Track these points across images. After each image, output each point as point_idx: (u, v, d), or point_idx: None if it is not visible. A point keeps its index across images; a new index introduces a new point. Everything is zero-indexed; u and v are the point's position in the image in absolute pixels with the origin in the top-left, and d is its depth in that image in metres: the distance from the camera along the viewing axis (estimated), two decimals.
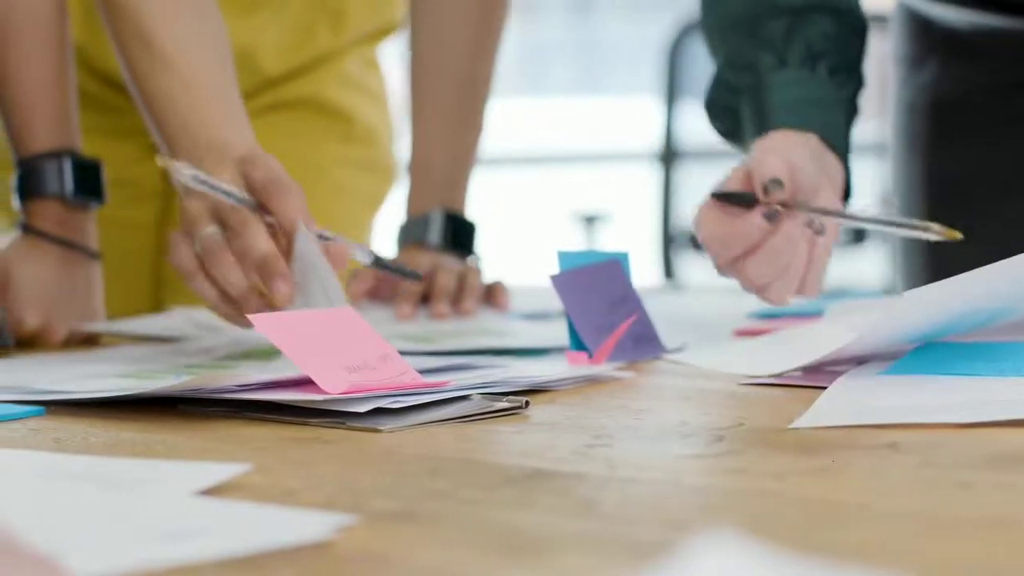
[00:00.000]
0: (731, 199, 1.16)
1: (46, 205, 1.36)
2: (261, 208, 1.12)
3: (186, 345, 1.30)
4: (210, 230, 1.12)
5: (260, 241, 1.10)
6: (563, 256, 1.16)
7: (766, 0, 1.28)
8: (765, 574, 0.42)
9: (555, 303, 1.43)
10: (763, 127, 1.24)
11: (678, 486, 0.76)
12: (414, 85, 1.61)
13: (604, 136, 5.82)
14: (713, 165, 3.36)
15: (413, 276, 1.17)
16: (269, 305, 1.10)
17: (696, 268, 3.32)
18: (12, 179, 1.38)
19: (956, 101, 1.54)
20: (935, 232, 1.04)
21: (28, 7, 1.37)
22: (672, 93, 3.33)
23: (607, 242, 4.01)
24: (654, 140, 3.45)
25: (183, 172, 1.11)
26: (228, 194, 1.11)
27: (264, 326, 0.99)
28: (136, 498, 0.75)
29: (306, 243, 1.09)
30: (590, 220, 4.03)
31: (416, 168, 1.59)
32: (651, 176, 3.46)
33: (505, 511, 0.71)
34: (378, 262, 1.15)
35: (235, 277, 1.11)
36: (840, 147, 1.23)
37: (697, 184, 3.32)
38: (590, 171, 5.59)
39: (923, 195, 1.57)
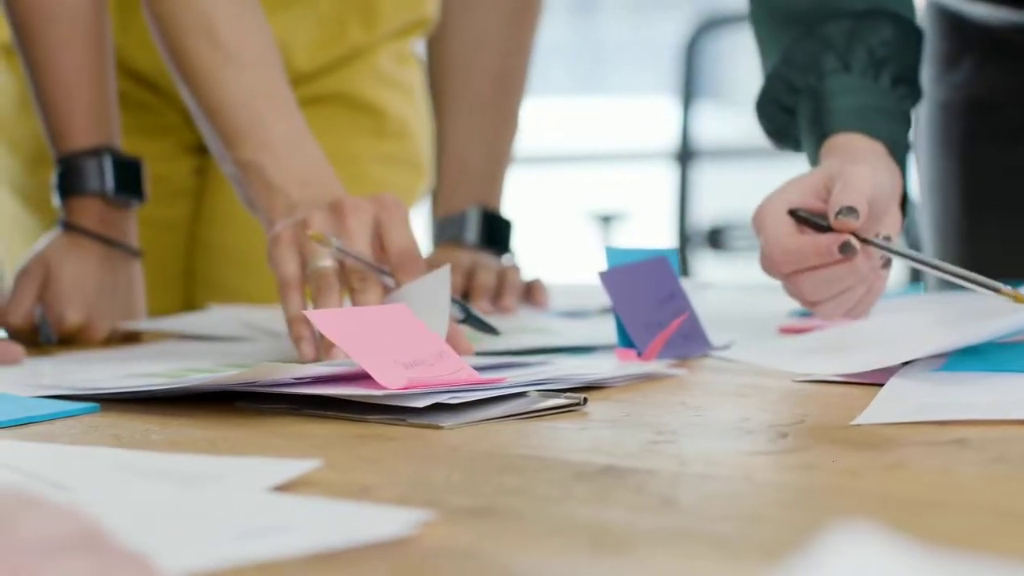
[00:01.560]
0: (807, 222, 1.14)
1: (87, 203, 1.36)
2: (384, 271, 1.16)
3: (233, 342, 1.29)
4: (330, 264, 1.15)
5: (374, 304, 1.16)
6: (610, 253, 1.15)
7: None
8: (908, 571, 0.42)
9: (590, 301, 1.44)
10: (824, 130, 1.23)
11: (751, 482, 0.76)
12: (446, 82, 1.61)
13: (609, 136, 5.81)
14: (730, 164, 3.37)
15: (492, 331, 1.19)
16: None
17: (713, 267, 3.31)
18: (52, 176, 1.38)
19: (992, 101, 1.53)
20: (1006, 295, 1.04)
21: (66, 3, 1.37)
22: (689, 92, 3.33)
23: (624, 241, 4.00)
24: (667, 139, 3.45)
25: (329, 242, 1.15)
26: (366, 263, 1.15)
27: (321, 321, 0.99)
28: (210, 494, 0.74)
29: (444, 283, 1.11)
30: (606, 219, 4.03)
31: (451, 166, 1.59)
32: (667, 175, 3.46)
33: (584, 507, 0.71)
34: (466, 313, 1.17)
35: None
36: (902, 159, 1.22)
37: (713, 183, 3.31)
38: (604, 171, 5.58)
39: (956, 195, 1.56)
